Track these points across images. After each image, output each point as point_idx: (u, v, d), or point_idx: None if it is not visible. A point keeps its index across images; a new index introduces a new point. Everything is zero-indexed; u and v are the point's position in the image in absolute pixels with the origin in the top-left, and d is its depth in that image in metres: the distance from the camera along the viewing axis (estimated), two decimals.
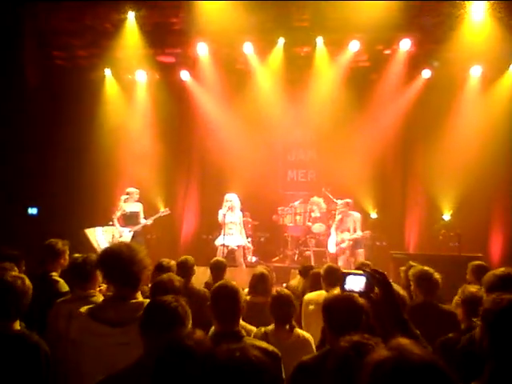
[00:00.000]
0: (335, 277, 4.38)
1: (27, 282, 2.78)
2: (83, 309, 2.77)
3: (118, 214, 9.15)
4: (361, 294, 2.03)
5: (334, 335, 2.42)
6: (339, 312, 2.43)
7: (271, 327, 3.49)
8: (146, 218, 9.16)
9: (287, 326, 3.51)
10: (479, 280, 4.58)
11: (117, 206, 9.33)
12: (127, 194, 9.19)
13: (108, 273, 2.83)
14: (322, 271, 4.63)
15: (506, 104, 9.67)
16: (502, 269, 3.18)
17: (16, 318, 2.73)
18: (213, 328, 3.01)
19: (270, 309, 3.58)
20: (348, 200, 8.99)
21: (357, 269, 5.25)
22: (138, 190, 9.29)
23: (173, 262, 4.67)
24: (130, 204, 9.15)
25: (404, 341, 1.42)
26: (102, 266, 2.88)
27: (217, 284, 3.10)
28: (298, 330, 3.58)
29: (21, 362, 2.57)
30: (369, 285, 2.00)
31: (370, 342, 1.86)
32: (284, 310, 3.53)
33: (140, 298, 2.77)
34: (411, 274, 4.10)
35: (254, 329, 3.46)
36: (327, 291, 4.27)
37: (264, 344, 2.82)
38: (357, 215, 8.88)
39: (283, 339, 3.39)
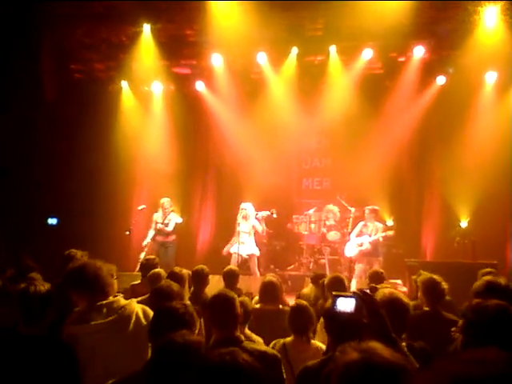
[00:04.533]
0: (338, 288, 4.43)
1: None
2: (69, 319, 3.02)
3: (153, 224, 9.33)
4: (351, 315, 2.11)
5: (335, 342, 2.46)
6: (339, 320, 2.45)
7: (290, 339, 3.53)
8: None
9: (306, 338, 3.55)
10: None
11: (135, 215, 9.52)
12: (160, 205, 9.37)
13: (80, 285, 3.02)
14: (326, 280, 4.66)
15: None
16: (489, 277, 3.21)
17: (44, 322, 2.90)
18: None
19: (288, 321, 3.63)
20: (376, 207, 9.03)
21: (370, 277, 5.31)
22: (167, 199, 9.47)
23: (185, 271, 4.75)
24: (161, 215, 9.31)
25: (375, 344, 1.46)
26: (72, 280, 3.07)
27: (214, 293, 3.18)
28: (316, 342, 3.61)
29: (57, 365, 2.70)
30: (358, 306, 2.08)
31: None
32: (302, 321, 3.58)
33: (111, 298, 3.00)
34: (419, 280, 4.10)
35: (260, 339, 3.49)
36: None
37: (263, 347, 2.87)
38: (380, 225, 8.92)
39: (302, 351, 3.44)
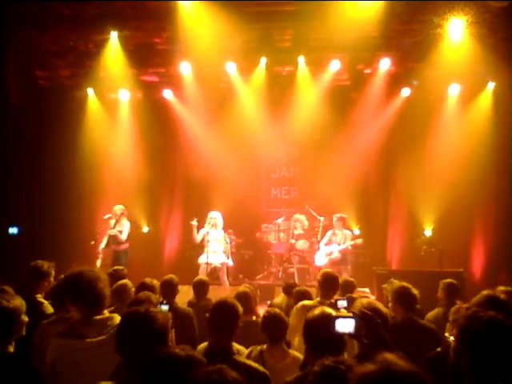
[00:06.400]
0: (332, 285, 4.54)
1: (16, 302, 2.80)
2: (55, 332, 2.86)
3: (108, 232, 9.04)
4: (351, 335, 2.09)
5: (314, 356, 2.40)
6: (320, 333, 2.39)
7: (266, 346, 3.50)
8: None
9: (282, 345, 3.53)
10: (450, 298, 4.69)
11: (100, 225, 9.29)
12: (112, 213, 9.08)
13: (74, 295, 2.88)
14: (318, 277, 4.70)
15: (485, 121, 9.88)
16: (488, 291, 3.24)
17: (6, 340, 2.73)
18: (202, 344, 3.07)
19: (262, 328, 3.61)
20: (344, 215, 9.10)
21: (342, 286, 5.34)
22: (119, 208, 9.01)
23: (155, 281, 4.69)
24: (115, 224, 9.04)
25: (389, 355, 1.45)
26: (66, 289, 2.94)
27: (218, 300, 3.16)
28: (294, 352, 3.59)
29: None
30: (358, 326, 2.06)
31: (340, 366, 1.87)
32: (276, 328, 3.56)
33: (107, 313, 2.88)
34: (389, 290, 4.13)
35: (242, 348, 3.46)
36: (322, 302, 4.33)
37: (254, 364, 2.83)
38: (348, 233, 9.00)
39: (278, 359, 3.42)
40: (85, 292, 2.81)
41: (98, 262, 8.50)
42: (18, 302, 2.82)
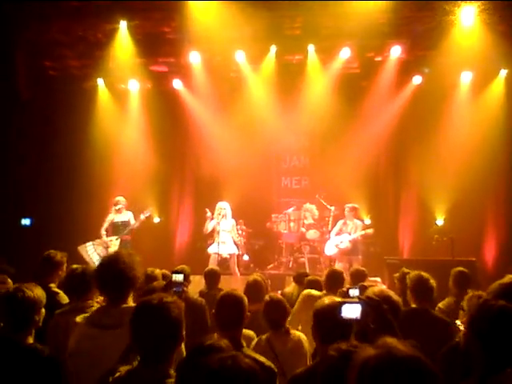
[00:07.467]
0: (338, 281, 4.55)
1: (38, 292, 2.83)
2: (79, 318, 2.81)
3: (106, 224, 9.10)
4: (357, 321, 2.08)
5: (325, 345, 2.37)
6: (330, 321, 2.39)
7: (268, 334, 3.52)
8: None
9: (282, 330, 3.56)
10: (461, 287, 4.66)
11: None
12: (114, 203, 9.15)
13: (104, 280, 2.82)
14: (325, 273, 4.76)
15: (497, 109, 9.78)
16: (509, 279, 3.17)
17: (28, 330, 2.76)
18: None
19: (263, 314, 3.62)
20: (356, 205, 9.06)
21: (352, 276, 5.34)
22: (123, 199, 9.19)
23: (157, 271, 4.67)
24: (118, 213, 9.10)
25: (390, 339, 1.45)
26: (99, 274, 2.88)
27: (223, 292, 3.14)
28: (296, 332, 3.64)
29: (35, 376, 2.59)
30: (364, 312, 2.06)
31: (357, 350, 1.86)
32: (278, 314, 3.59)
33: (131, 302, 2.83)
34: (408, 278, 4.11)
35: (251, 333, 3.48)
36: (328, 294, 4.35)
37: (261, 358, 2.82)
38: (359, 223, 8.96)
39: (284, 343, 3.45)
40: (111, 281, 2.76)
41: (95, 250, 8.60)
42: (40, 292, 2.85)
